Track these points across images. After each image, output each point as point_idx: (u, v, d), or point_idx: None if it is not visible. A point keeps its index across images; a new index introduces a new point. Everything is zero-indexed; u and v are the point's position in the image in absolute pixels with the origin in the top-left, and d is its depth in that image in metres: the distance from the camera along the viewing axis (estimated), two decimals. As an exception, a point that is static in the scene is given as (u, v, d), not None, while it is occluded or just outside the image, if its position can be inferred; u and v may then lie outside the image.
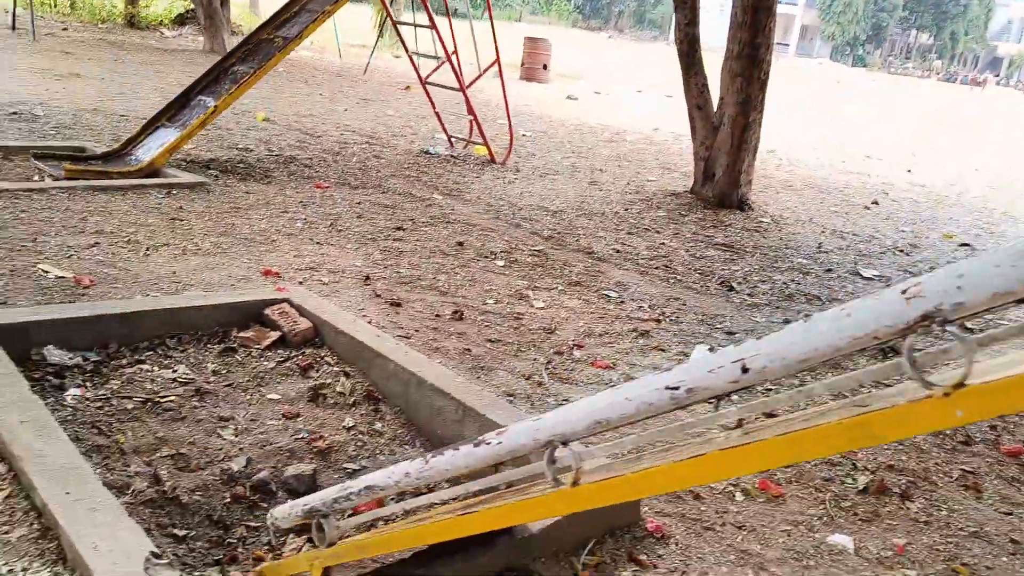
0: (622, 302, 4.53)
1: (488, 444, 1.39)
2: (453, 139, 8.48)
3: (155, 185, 5.44)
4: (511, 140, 8.29)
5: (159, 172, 5.78)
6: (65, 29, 15.17)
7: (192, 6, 18.14)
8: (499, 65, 7.90)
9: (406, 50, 7.74)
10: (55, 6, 17.63)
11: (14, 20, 13.92)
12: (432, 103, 8.22)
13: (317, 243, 4.80)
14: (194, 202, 5.29)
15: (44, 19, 15.75)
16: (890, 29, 69.48)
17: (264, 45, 6.55)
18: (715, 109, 7.34)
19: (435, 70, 8.07)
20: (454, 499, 1.60)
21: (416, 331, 3.67)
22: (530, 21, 60.92)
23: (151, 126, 6.22)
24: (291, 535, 2.44)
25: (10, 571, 1.90)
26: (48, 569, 1.91)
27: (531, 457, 1.38)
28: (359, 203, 5.91)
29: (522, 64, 18.74)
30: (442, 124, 8.44)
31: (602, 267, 5.18)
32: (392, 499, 2.05)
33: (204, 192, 5.54)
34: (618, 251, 5.62)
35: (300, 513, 1.89)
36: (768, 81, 7.13)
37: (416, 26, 7.62)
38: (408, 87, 13.89)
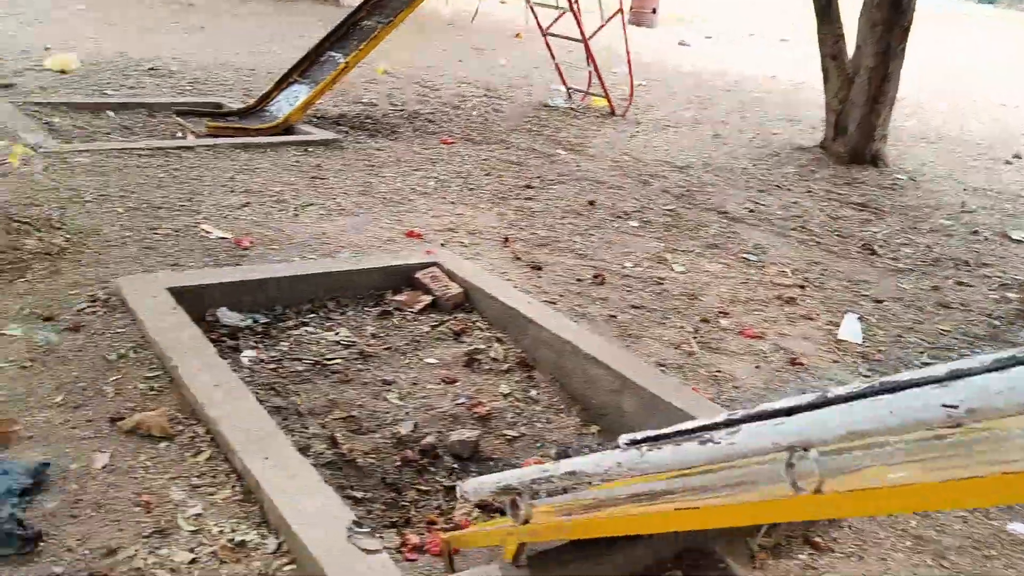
0: (763, 266, 4.42)
1: (716, 443, 1.38)
2: (572, 91, 8.37)
3: (292, 143, 5.57)
4: (631, 91, 8.13)
5: (293, 128, 5.91)
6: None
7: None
8: (622, 14, 7.71)
9: (527, 1, 7.63)
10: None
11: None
12: (552, 55, 8.11)
13: (451, 202, 4.84)
14: (330, 159, 5.40)
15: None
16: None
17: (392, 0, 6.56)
18: (849, 59, 7.00)
19: (556, 20, 7.94)
20: (663, 492, 1.60)
21: (560, 296, 3.68)
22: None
23: (283, 82, 6.34)
24: (460, 500, 2.52)
25: (220, 531, 2.01)
26: (254, 531, 2.02)
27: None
28: (485, 159, 5.92)
29: (630, 8, 18.25)
30: (561, 76, 8.33)
31: (737, 228, 5.06)
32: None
33: (338, 149, 5.64)
34: (751, 211, 5.47)
35: (494, 489, 1.93)
36: (911, 29, 6.74)
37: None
38: (519, 35, 13.74)
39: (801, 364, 3.35)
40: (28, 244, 3.18)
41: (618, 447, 1.61)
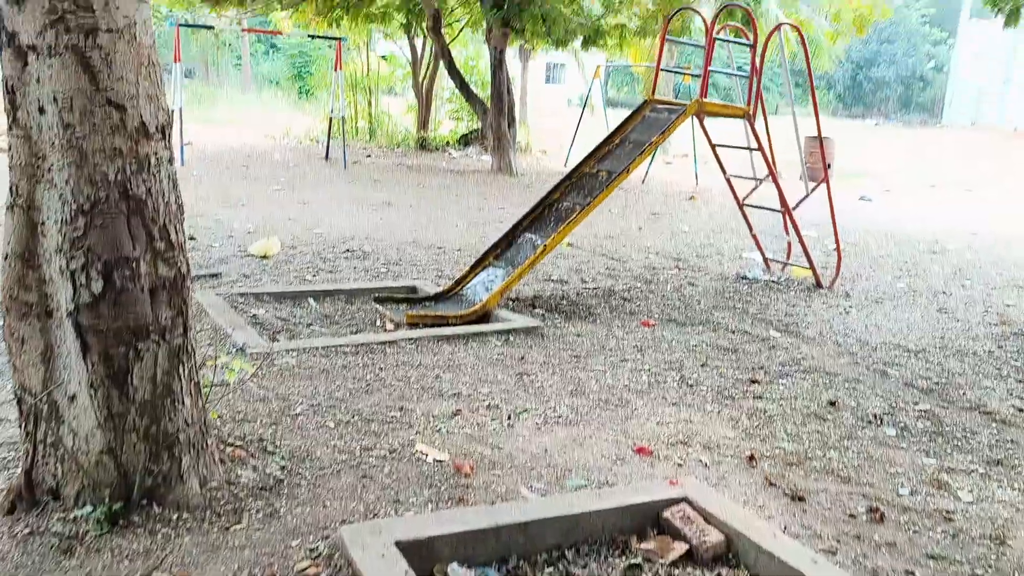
0: (1072, 493, 3.61)
1: None
2: (770, 261, 7.84)
3: (492, 332, 5.30)
4: (839, 262, 7.51)
5: (491, 314, 5.67)
6: (368, 156, 16.48)
7: (475, 127, 19.20)
8: (827, 180, 7.23)
9: (723, 172, 7.30)
10: (356, 134, 19.34)
11: (328, 150, 15.32)
12: (749, 225, 7.67)
13: (673, 403, 4.34)
14: (532, 349, 5.07)
15: (348, 147, 17.27)
16: None
17: (588, 180, 6.39)
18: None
19: (753, 190, 7.55)
20: None
21: (837, 541, 3.04)
22: (785, 113, 59.37)
23: (479, 265, 6.19)
24: None
25: None
26: None
27: None
28: (695, 346, 5.43)
29: (804, 164, 17.77)
30: (759, 246, 7.84)
31: (1012, 433, 4.26)
32: None
33: (539, 337, 5.32)
34: (1020, 409, 4.65)
35: None
36: None
37: (745, 149, 7.17)
38: (693, 197, 13.51)
39: None
40: (243, 477, 2.91)
41: None
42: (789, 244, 7.88)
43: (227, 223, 8.35)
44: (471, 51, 19.87)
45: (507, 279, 5.80)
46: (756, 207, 7.58)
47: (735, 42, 6.61)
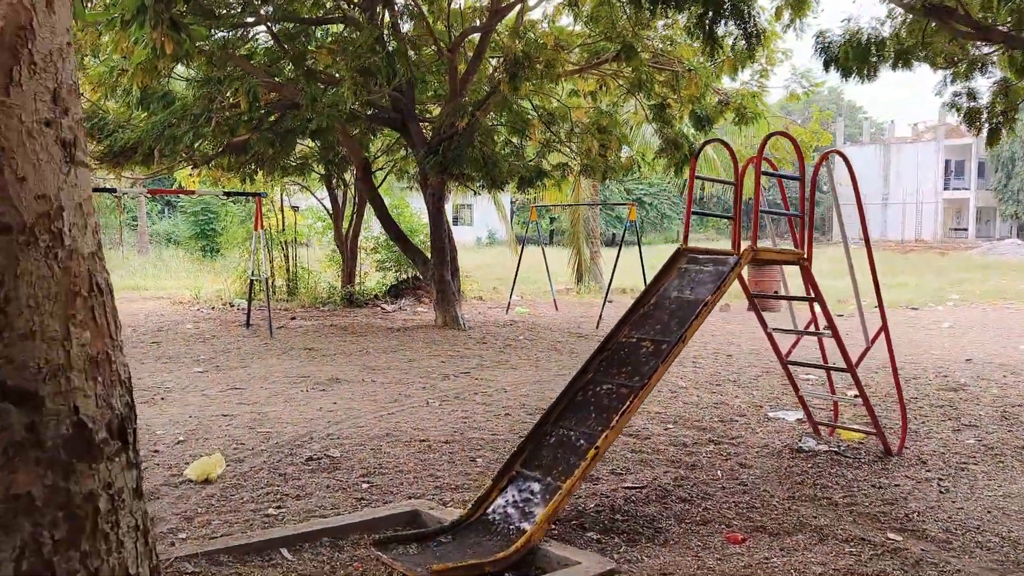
0: None
1: None
2: (819, 425, 6.64)
3: (555, 585, 3.80)
4: (904, 421, 6.35)
5: (538, 551, 4.17)
6: (293, 318, 14.89)
7: (404, 276, 17.93)
8: (884, 321, 6.14)
9: (764, 327, 6.13)
10: (274, 293, 17.76)
11: (249, 317, 13.69)
12: (796, 387, 6.45)
13: None
14: (622, 612, 3.58)
15: (265, 307, 15.67)
16: (1077, 199, 64.71)
17: (627, 353, 5.07)
18: None
19: (795, 345, 6.41)
20: None
21: None
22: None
23: (502, 476, 4.71)
24: None
25: None
26: None
27: None
28: (804, 569, 4.06)
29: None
30: (807, 410, 6.62)
31: None
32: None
33: (621, 587, 3.84)
34: None
35: None
36: None
37: (797, 299, 6.06)
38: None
39: None
40: None
41: None
42: (836, 404, 6.73)
43: (148, 430, 6.62)
44: (395, 199, 18.84)
45: (552, 500, 4.33)
46: (802, 364, 6.42)
47: (788, 177, 5.59)
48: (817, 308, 6.04)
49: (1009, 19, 7.52)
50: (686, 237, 5.49)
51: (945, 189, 63.73)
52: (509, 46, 11.52)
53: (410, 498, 5.12)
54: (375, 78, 10.21)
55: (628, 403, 4.62)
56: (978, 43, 9.32)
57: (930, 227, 64.04)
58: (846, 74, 9.62)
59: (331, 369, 9.70)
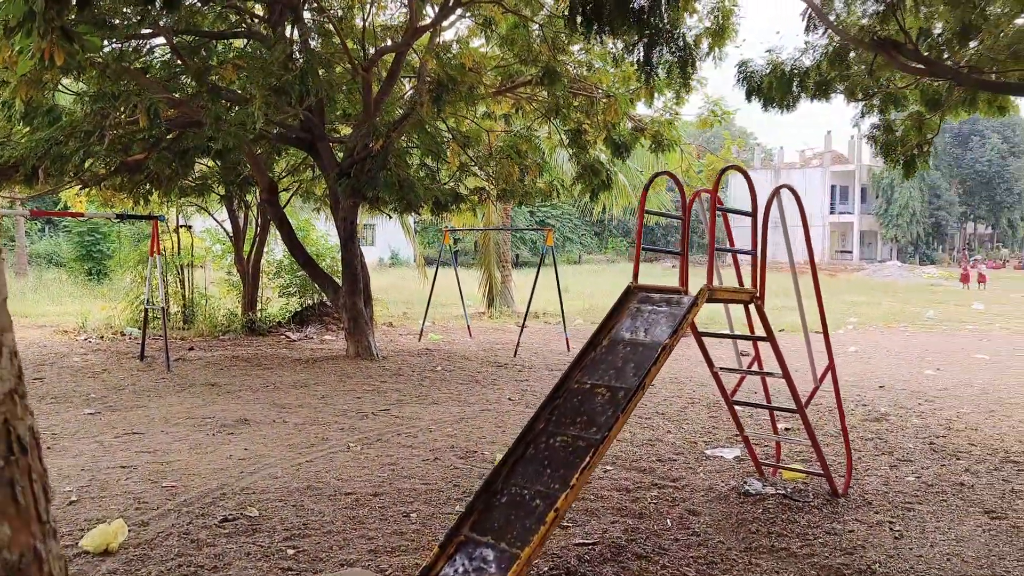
0: None
1: None
2: (764, 466, 6.45)
3: (526, 677, 3.38)
4: (849, 460, 6.22)
5: (496, 630, 3.74)
6: (191, 349, 13.97)
7: (310, 302, 17.19)
8: (830, 359, 6.00)
9: (710, 367, 5.89)
10: (169, 322, 16.69)
11: (143, 349, 12.73)
12: (740, 428, 6.23)
13: None
14: None
15: (160, 337, 14.68)
16: (949, 226, 68.85)
17: (581, 400, 4.72)
18: None
19: (739, 385, 6.21)
20: None
21: None
22: (588, 261, 61.34)
23: (450, 542, 4.27)
24: None
25: None
26: None
27: None
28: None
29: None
30: (751, 450, 6.41)
31: None
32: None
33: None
34: None
35: None
36: None
37: (748, 338, 5.83)
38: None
39: None
40: None
41: None
42: (778, 444, 6.56)
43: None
44: (300, 221, 18.07)
45: (510, 571, 3.92)
46: (747, 404, 6.22)
47: (739, 212, 5.37)
48: (762, 344, 5.86)
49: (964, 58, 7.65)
50: (636, 274, 5.20)
51: (831, 213, 66.59)
52: (433, 67, 11.13)
53: (343, 565, 4.61)
54: (288, 97, 9.62)
55: (588, 458, 4.25)
56: (891, 78, 9.49)
57: (818, 249, 66.74)
58: (767, 104, 9.64)
59: (238, 408, 9.01)
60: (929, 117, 9.42)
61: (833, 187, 67.56)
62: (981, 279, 35.20)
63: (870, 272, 48.00)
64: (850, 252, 67.41)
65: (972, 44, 8.22)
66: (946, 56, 7.79)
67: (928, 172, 54.68)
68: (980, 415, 9.12)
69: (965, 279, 35.77)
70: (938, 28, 8.36)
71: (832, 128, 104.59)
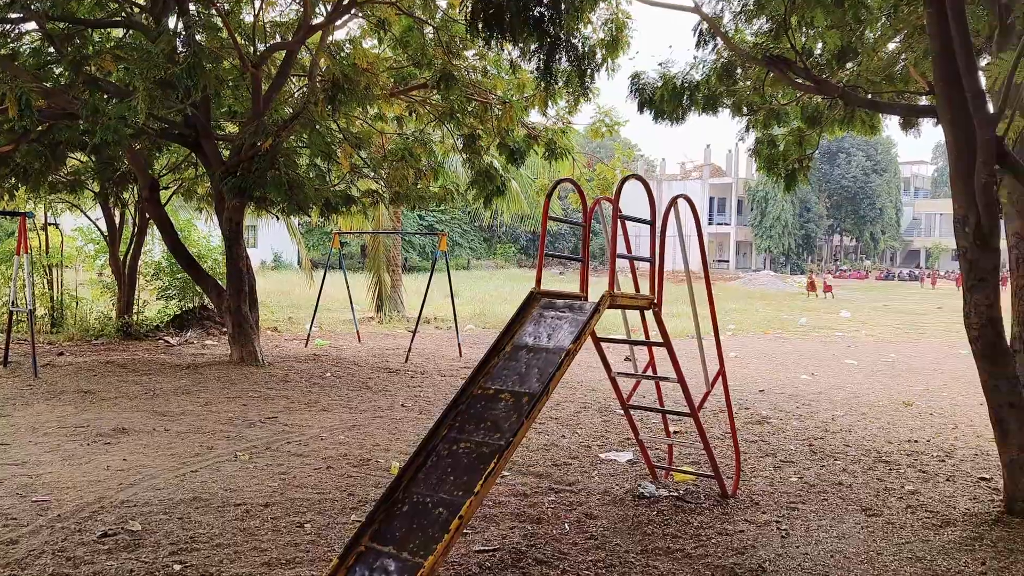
0: None
1: None
2: (657, 469, 6.57)
3: None
4: (738, 462, 6.41)
5: (399, 642, 3.66)
6: (61, 354, 13.15)
7: (190, 305, 16.53)
8: (723, 378, 6.19)
9: (608, 372, 5.97)
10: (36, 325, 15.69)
11: (7, 353, 11.89)
12: (635, 431, 6.34)
13: None
14: None
15: (26, 341, 13.75)
16: (818, 237, 72.68)
17: (484, 406, 4.68)
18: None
19: (634, 389, 6.31)
20: None
21: None
22: (477, 266, 61.51)
23: (350, 551, 4.15)
24: None
25: None
26: None
27: None
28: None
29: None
30: (645, 454, 6.53)
31: None
32: None
33: None
34: None
35: None
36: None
37: (642, 344, 5.91)
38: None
39: None
40: None
41: None
42: (670, 447, 6.71)
43: None
44: (181, 221, 17.31)
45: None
46: (641, 408, 6.33)
47: (639, 220, 5.45)
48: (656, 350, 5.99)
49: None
50: (539, 280, 5.21)
51: (709, 224, 69.14)
52: (327, 66, 10.87)
53: (235, 580, 4.41)
54: (175, 91, 9.20)
55: (493, 464, 4.22)
56: (774, 95, 9.90)
57: (698, 258, 68.83)
58: (658, 116, 9.87)
59: (114, 416, 8.53)
60: (809, 133, 9.87)
61: (711, 199, 70.21)
62: (827, 288, 38.09)
63: (745, 281, 49.98)
64: (727, 261, 70.11)
65: (849, 65, 8.67)
66: (825, 75, 8.20)
67: (801, 186, 57.56)
68: (853, 417, 9.62)
69: (811, 287, 38.67)
70: (819, 49, 8.79)
71: (711, 142, 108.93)
